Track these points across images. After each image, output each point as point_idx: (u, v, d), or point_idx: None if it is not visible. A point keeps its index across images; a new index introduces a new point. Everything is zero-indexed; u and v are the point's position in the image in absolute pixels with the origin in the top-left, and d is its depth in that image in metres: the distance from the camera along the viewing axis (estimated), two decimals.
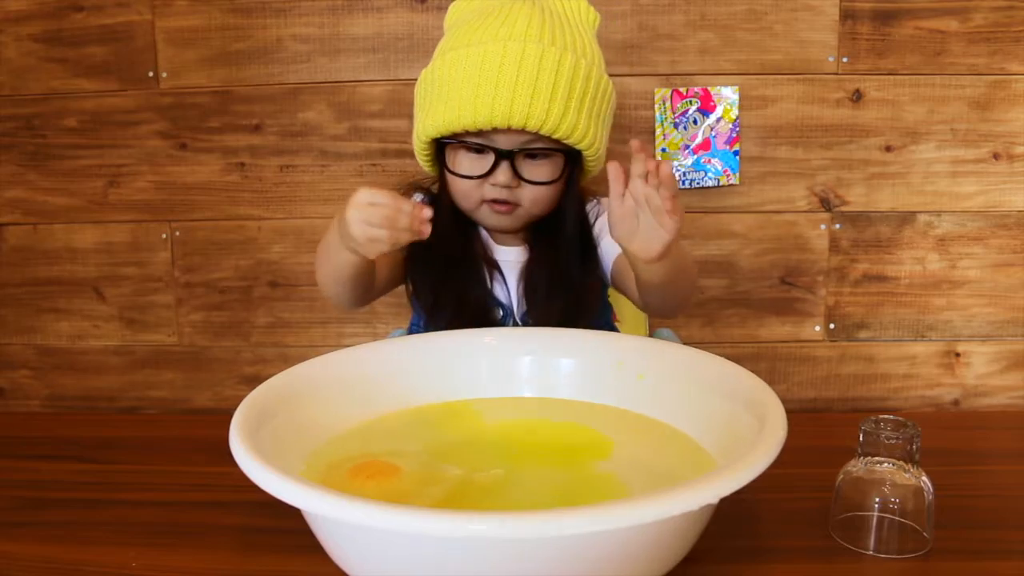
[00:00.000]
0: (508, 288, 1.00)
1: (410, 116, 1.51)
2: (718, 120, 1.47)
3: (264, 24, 1.49)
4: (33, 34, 1.52)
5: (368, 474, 0.65)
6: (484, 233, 1.02)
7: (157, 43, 1.51)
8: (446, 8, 0.97)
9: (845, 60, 1.45)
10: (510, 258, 1.01)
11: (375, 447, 0.70)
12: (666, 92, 1.46)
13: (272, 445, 0.60)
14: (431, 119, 0.93)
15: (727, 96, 1.46)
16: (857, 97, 1.47)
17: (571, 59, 0.90)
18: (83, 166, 1.56)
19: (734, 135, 1.47)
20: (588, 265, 1.00)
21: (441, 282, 0.97)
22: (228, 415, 0.60)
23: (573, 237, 0.99)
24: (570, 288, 0.97)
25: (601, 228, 1.01)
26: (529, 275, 0.99)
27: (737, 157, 1.48)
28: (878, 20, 1.44)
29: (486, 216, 0.97)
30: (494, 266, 1.00)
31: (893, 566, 0.63)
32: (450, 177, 0.96)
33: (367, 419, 0.74)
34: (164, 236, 1.58)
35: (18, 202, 1.59)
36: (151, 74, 1.52)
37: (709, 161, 1.48)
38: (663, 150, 1.48)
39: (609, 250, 1.00)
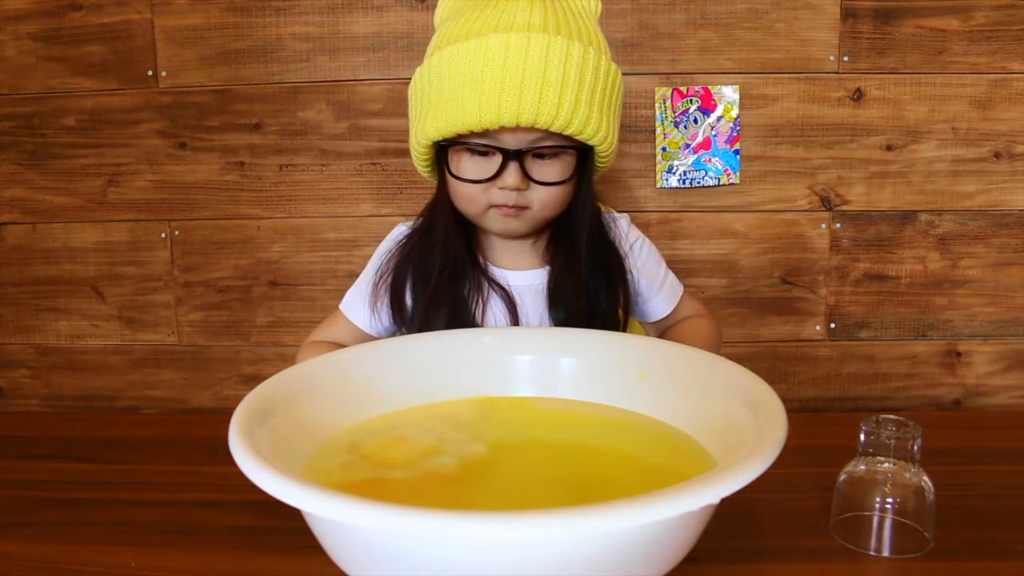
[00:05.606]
0: (526, 314, 0.94)
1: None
2: (719, 119, 1.47)
3: (263, 23, 1.49)
4: (32, 33, 1.52)
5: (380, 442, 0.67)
6: (489, 265, 0.96)
7: (156, 42, 1.51)
8: None
9: (846, 59, 1.45)
10: (532, 282, 0.95)
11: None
12: (666, 91, 1.46)
13: (272, 445, 0.59)
14: (431, 121, 0.85)
15: (728, 95, 1.46)
16: (858, 96, 1.46)
17: (579, 49, 0.83)
18: (82, 165, 1.56)
19: (735, 134, 1.47)
20: (612, 279, 0.95)
21: (428, 311, 0.91)
22: (227, 415, 0.60)
23: (593, 245, 0.94)
24: (595, 300, 0.93)
25: (639, 266, 0.99)
26: (553, 292, 0.93)
27: (738, 156, 1.48)
28: (879, 19, 1.44)
29: (494, 221, 0.90)
30: (500, 292, 0.94)
31: (894, 566, 0.63)
32: (453, 182, 0.89)
33: (367, 418, 0.74)
34: (163, 235, 1.58)
35: (17, 201, 1.59)
36: (150, 73, 1.52)
37: (709, 160, 1.48)
38: (663, 149, 1.48)
39: (653, 302, 1.01)
